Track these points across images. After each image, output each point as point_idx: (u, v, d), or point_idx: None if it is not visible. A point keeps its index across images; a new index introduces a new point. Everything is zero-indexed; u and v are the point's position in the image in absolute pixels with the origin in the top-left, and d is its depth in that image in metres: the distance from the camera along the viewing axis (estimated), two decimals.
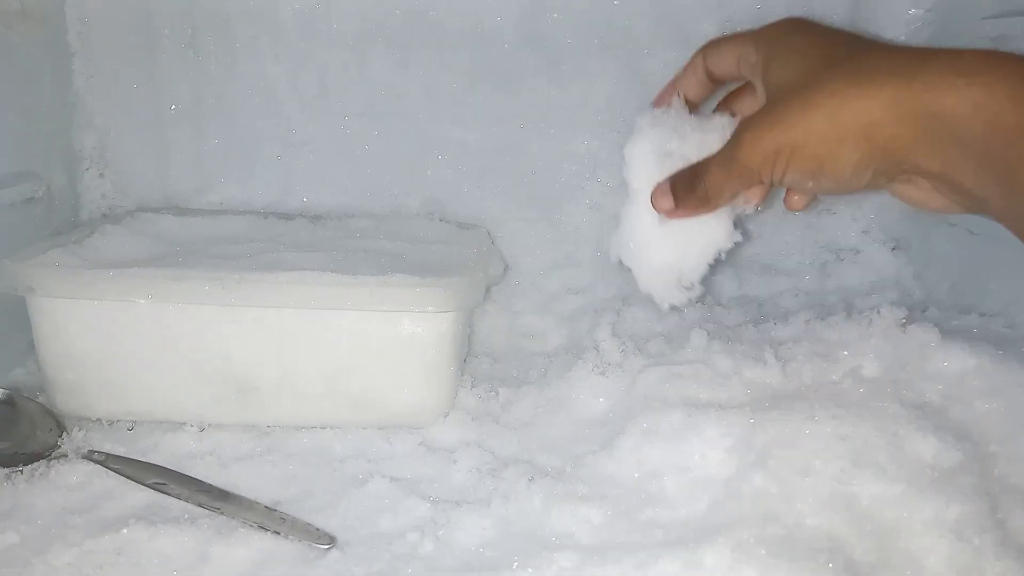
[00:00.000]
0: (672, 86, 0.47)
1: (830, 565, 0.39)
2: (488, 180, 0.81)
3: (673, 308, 0.49)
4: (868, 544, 0.40)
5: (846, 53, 0.37)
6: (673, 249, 0.46)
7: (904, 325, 0.55)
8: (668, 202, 0.43)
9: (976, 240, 0.68)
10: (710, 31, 0.75)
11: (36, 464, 0.53)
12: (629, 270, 0.48)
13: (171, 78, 0.78)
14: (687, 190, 0.43)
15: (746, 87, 0.47)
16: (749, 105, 0.45)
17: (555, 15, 0.76)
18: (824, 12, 0.77)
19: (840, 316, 0.60)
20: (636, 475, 0.49)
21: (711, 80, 0.46)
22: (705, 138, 0.43)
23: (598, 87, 0.78)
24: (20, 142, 0.69)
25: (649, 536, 0.44)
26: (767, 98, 0.40)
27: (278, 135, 0.80)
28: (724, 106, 0.48)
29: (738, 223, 0.47)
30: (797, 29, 0.41)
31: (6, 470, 0.52)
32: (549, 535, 0.46)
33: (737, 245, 0.47)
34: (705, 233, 0.45)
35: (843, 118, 0.35)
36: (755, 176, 0.39)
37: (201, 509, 0.49)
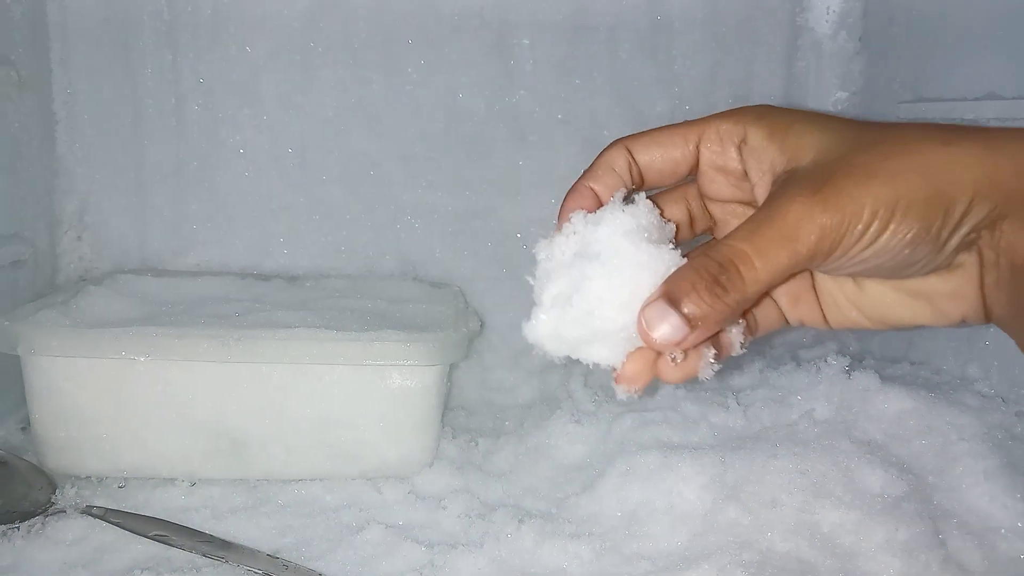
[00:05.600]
0: (581, 192, 0.38)
1: None
2: (459, 241, 0.86)
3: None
4: (832, 565, 0.45)
5: (878, 125, 0.33)
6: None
7: (848, 372, 0.62)
8: (677, 326, 0.32)
9: None
10: (663, 110, 0.83)
11: (32, 521, 0.54)
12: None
13: (153, 145, 0.81)
14: (712, 296, 0.31)
15: (693, 186, 0.40)
16: (728, 194, 0.38)
17: (522, 92, 0.83)
18: (759, 92, 0.86)
19: (791, 365, 0.67)
20: (619, 513, 0.53)
21: (636, 180, 0.39)
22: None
23: (561, 157, 0.85)
24: (8, 206, 0.70)
25: (637, 567, 0.48)
26: (810, 167, 0.32)
27: (257, 199, 0.83)
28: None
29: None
30: (777, 108, 0.36)
31: (3, 527, 0.53)
32: (543, 572, 0.49)
33: None
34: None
35: (961, 165, 0.30)
36: (815, 255, 0.30)
37: (205, 559, 0.51)
